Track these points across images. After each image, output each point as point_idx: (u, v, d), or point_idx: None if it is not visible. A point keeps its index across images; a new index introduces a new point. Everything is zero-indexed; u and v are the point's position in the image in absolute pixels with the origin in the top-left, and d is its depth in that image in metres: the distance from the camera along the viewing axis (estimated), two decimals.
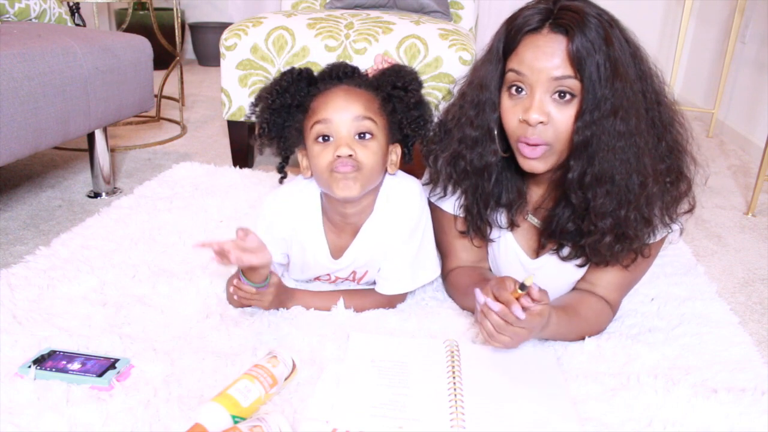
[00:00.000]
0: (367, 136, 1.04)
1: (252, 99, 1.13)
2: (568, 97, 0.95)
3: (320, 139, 1.04)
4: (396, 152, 1.12)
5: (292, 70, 1.09)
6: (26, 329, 1.05)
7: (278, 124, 1.09)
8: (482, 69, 1.04)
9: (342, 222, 1.13)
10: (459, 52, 1.79)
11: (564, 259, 1.08)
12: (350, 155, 1.01)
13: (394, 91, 1.08)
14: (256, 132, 1.12)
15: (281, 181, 1.17)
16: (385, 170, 1.11)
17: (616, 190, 0.97)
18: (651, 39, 3.47)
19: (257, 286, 1.03)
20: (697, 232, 1.69)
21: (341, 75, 1.09)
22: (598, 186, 0.97)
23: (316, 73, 1.10)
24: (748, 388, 0.98)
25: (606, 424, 0.89)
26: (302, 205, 1.14)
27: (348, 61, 1.19)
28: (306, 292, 1.18)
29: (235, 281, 1.05)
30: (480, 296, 0.94)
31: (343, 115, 1.03)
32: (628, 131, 0.95)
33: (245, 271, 1.01)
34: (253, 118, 1.12)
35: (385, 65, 1.42)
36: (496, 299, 0.93)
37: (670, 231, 1.07)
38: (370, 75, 1.41)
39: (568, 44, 0.93)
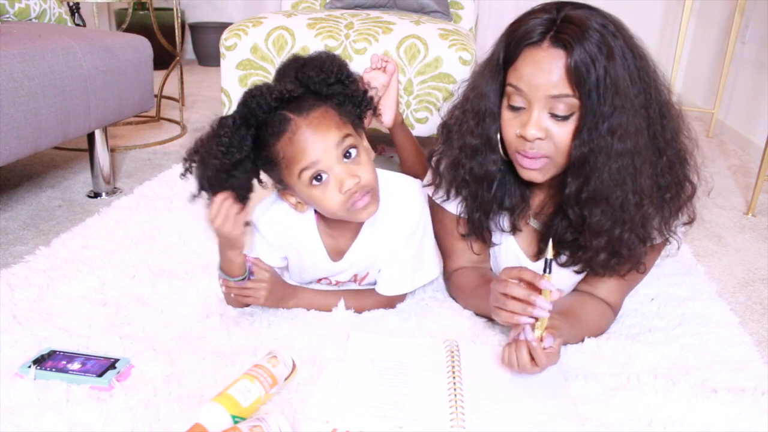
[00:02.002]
0: (353, 151, 1.00)
1: (190, 158, 1.01)
2: (565, 114, 0.94)
3: (314, 182, 0.99)
4: (363, 136, 1.08)
5: (226, 120, 0.99)
6: (26, 329, 1.05)
7: (242, 180, 1.01)
8: (483, 77, 1.02)
9: (342, 227, 1.12)
10: (459, 52, 1.79)
11: (562, 265, 1.07)
12: (358, 182, 0.98)
13: (332, 89, 1.03)
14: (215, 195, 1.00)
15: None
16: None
17: (610, 209, 0.96)
18: (651, 39, 3.46)
19: (235, 280, 1.06)
20: (697, 232, 1.68)
21: (289, 102, 0.99)
22: (594, 205, 0.96)
23: (258, 107, 0.97)
24: (748, 388, 0.98)
25: (606, 424, 0.89)
26: (294, 219, 1.12)
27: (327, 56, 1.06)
28: (307, 290, 1.17)
29: (220, 279, 1.08)
30: (529, 333, 0.91)
31: (326, 148, 0.97)
32: (626, 151, 0.93)
33: (222, 266, 1.06)
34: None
35: (383, 64, 1.42)
36: (518, 278, 0.93)
37: (668, 243, 1.07)
38: (367, 73, 1.40)
39: (567, 60, 0.91)
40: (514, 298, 0.91)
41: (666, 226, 1.03)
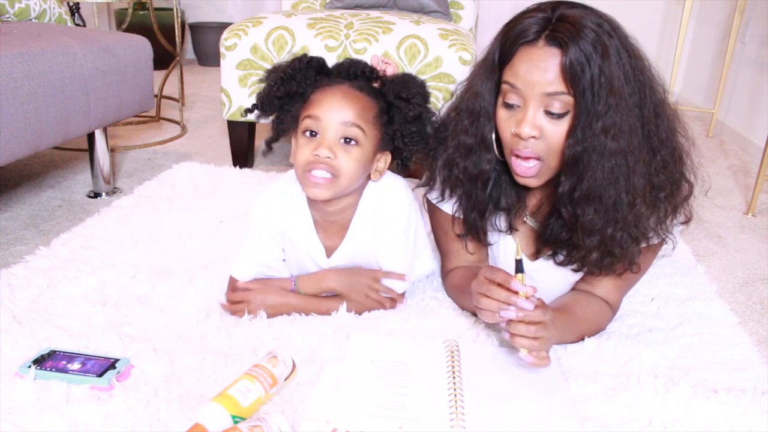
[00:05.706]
0: (352, 142, 1.03)
1: (253, 99, 1.13)
2: (560, 112, 0.94)
3: (307, 133, 1.04)
4: (385, 160, 1.10)
5: (302, 58, 1.08)
6: (26, 329, 1.05)
7: (275, 105, 1.09)
8: (478, 77, 1.03)
9: (324, 220, 1.12)
10: (459, 52, 1.79)
11: (559, 264, 1.07)
12: (328, 157, 1.01)
13: (396, 100, 1.06)
14: (255, 104, 1.11)
15: (265, 154, 1.17)
16: (368, 176, 1.10)
17: (603, 208, 0.96)
18: (651, 39, 3.47)
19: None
20: (697, 232, 1.69)
21: (351, 74, 1.08)
22: (587, 204, 0.96)
23: (330, 65, 1.10)
24: (748, 388, 0.98)
25: (606, 424, 0.89)
26: (291, 203, 1.13)
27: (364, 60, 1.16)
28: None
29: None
30: (508, 313, 0.92)
31: (333, 116, 1.02)
32: (619, 150, 0.93)
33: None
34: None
35: (383, 66, 1.42)
36: (491, 281, 0.93)
37: (665, 243, 1.07)
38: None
39: (562, 59, 0.91)
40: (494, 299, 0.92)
41: (662, 225, 1.03)
